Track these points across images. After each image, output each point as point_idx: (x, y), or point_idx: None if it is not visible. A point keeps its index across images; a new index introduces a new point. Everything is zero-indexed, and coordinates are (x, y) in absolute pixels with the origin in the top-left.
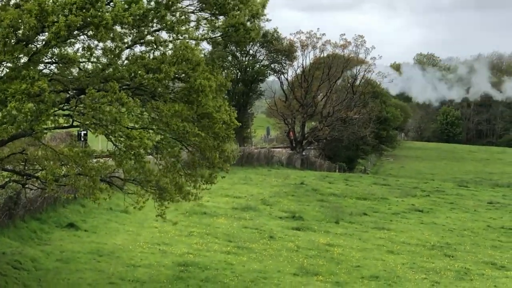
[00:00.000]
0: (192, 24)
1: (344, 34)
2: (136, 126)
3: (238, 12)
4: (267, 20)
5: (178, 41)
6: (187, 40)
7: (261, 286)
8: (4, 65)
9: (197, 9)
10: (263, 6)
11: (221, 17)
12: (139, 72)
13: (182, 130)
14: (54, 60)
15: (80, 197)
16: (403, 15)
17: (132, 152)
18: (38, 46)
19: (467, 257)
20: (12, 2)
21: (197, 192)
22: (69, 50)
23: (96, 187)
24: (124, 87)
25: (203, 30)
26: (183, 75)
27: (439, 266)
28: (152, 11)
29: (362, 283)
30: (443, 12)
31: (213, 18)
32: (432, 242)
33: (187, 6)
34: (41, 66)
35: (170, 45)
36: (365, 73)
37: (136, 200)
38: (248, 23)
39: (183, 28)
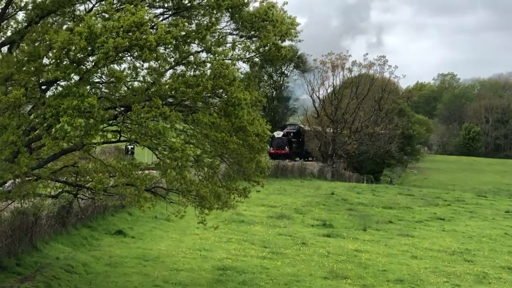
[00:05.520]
0: (228, 45)
1: (367, 54)
2: (178, 140)
3: (269, 33)
4: (299, 41)
5: (215, 61)
6: (223, 59)
7: None
8: (58, 83)
9: (234, 30)
10: (292, 25)
11: (255, 38)
12: (181, 88)
13: (220, 140)
14: (103, 80)
15: (126, 204)
16: (432, 36)
17: (176, 163)
18: (88, 67)
19: (485, 262)
20: (64, 27)
21: (233, 203)
22: (117, 68)
23: (141, 195)
24: (166, 104)
25: (239, 50)
26: (221, 90)
27: (459, 270)
28: (194, 33)
29: (388, 286)
30: (468, 33)
31: (247, 39)
32: (453, 248)
33: (224, 27)
34: (91, 86)
35: (208, 65)
36: (390, 93)
37: (178, 209)
38: (279, 42)
39: (220, 49)
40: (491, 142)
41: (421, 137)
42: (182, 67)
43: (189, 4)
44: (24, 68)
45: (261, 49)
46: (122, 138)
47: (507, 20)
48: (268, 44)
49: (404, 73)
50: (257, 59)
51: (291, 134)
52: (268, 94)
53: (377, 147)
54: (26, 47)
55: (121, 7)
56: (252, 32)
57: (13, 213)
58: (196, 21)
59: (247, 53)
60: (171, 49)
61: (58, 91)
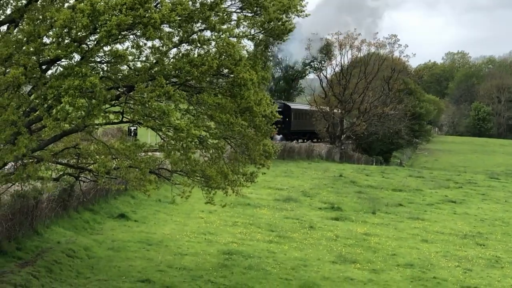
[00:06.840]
0: (233, 22)
1: (377, 33)
2: (183, 121)
3: (272, 7)
4: (306, 16)
5: (220, 39)
6: (228, 37)
7: (302, 273)
8: (59, 63)
9: (238, 8)
10: None
11: (259, 14)
12: (185, 67)
13: (226, 121)
14: (105, 59)
15: (130, 189)
16: (444, 14)
17: (181, 144)
18: (90, 46)
19: (498, 246)
20: (66, 5)
21: (238, 189)
22: (119, 47)
23: (145, 179)
24: (170, 83)
25: (243, 27)
26: (226, 70)
27: (471, 254)
28: (197, 12)
29: (398, 271)
30: (482, 11)
31: (254, 16)
32: (465, 231)
33: (229, 6)
34: (92, 65)
35: (213, 43)
36: (399, 72)
37: (183, 190)
38: (284, 16)
39: (224, 26)
40: (503, 122)
41: (429, 115)
42: (187, 46)
43: None
44: (24, 48)
45: (265, 25)
46: (124, 119)
47: None
48: (271, 20)
49: (414, 52)
50: (261, 35)
51: None
52: (273, 73)
53: (386, 128)
54: (25, 27)
55: None
56: (256, 9)
57: (13, 196)
58: (200, 0)
59: (252, 29)
60: (175, 27)
61: (59, 71)
